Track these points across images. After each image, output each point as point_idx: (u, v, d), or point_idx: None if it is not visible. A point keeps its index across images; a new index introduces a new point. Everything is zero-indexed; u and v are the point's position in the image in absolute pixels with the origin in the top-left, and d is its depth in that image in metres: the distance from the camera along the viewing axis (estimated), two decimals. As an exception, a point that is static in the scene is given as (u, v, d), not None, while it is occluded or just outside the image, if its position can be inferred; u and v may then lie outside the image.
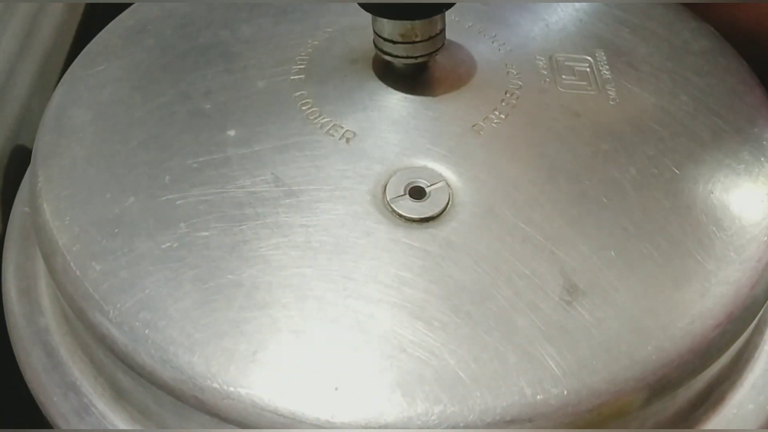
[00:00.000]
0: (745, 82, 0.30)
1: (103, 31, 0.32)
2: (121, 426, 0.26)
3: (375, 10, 0.27)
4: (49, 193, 0.27)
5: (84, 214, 0.26)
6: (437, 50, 0.28)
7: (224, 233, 0.25)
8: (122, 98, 0.29)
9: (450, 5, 0.27)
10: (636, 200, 0.26)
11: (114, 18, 0.33)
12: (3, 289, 0.30)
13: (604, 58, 0.30)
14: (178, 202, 0.26)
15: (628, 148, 0.27)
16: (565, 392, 0.22)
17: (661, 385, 0.23)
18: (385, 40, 0.27)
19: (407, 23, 0.27)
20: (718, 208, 0.26)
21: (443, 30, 0.28)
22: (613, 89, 0.29)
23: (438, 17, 0.27)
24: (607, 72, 0.30)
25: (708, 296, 0.24)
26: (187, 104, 0.29)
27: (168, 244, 0.25)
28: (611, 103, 0.29)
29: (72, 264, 0.25)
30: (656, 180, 0.27)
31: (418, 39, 0.27)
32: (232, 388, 0.22)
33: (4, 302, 0.29)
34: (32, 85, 0.36)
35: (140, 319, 0.24)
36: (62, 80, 0.31)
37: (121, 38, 0.32)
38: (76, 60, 0.31)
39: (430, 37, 0.27)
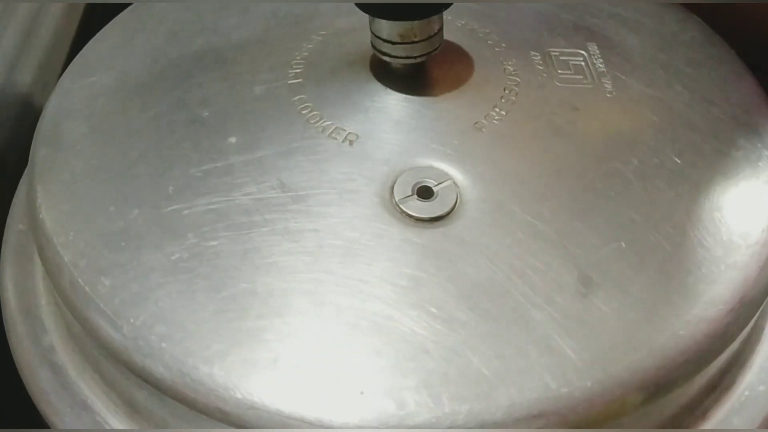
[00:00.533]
0: (735, 71, 0.30)
1: (91, 41, 0.32)
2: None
3: (375, 11, 0.27)
4: (49, 209, 0.26)
5: (88, 229, 0.26)
6: (436, 49, 0.28)
7: (234, 242, 0.25)
8: (117, 109, 0.29)
9: (448, 5, 0.27)
10: (640, 191, 0.26)
11: (113, 18, 0.32)
12: (4, 310, 0.29)
13: (597, 51, 0.30)
14: (184, 213, 0.26)
15: (629, 140, 0.28)
16: (590, 384, 0.22)
17: (681, 371, 0.23)
18: (384, 40, 0.27)
19: (406, 24, 0.27)
20: (721, 195, 0.26)
21: (441, 29, 0.28)
22: (608, 82, 0.29)
23: (436, 17, 0.27)
24: (601, 65, 0.30)
25: (719, 282, 0.24)
26: (184, 113, 0.28)
27: (177, 255, 0.25)
28: (608, 95, 0.29)
29: (80, 280, 0.25)
30: (659, 170, 0.27)
31: (417, 39, 0.27)
32: (255, 398, 0.22)
33: (5, 322, 0.29)
34: (32, 85, 0.36)
35: (155, 332, 0.23)
36: (54, 92, 0.30)
37: (111, 48, 0.31)
38: (66, 71, 0.31)
39: (429, 37, 0.27)
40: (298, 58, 0.30)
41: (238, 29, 0.31)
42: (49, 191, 0.27)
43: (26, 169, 0.28)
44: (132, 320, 0.24)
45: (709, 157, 0.27)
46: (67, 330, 0.28)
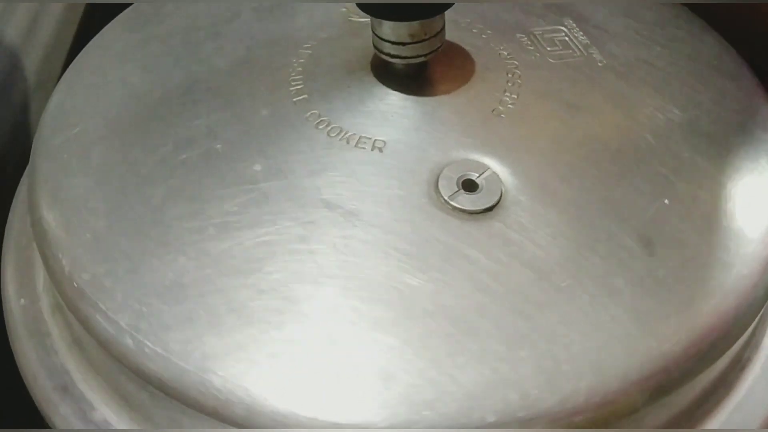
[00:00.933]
0: (701, 27, 0.32)
1: (58, 87, 0.30)
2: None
3: (385, 13, 0.26)
4: (82, 277, 0.24)
5: (136, 288, 0.24)
6: (441, 46, 0.28)
7: (301, 273, 0.24)
8: (118, 158, 0.27)
9: (450, 4, 0.27)
10: (662, 148, 0.28)
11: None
12: (5, 310, 0.28)
13: (575, 25, 0.31)
14: (234, 252, 0.24)
15: (634, 102, 0.29)
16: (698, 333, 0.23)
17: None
18: (394, 43, 0.27)
19: (416, 23, 0.27)
20: (728, 144, 0.28)
21: (444, 26, 0.28)
22: (596, 51, 0.30)
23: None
24: (583, 38, 0.31)
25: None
26: (194, 149, 0.27)
27: (246, 294, 0.23)
28: (600, 65, 0.30)
29: (148, 342, 0.23)
30: (670, 125, 0.28)
31: (426, 37, 0.27)
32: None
33: (6, 322, 0.28)
34: (32, 85, 0.35)
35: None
36: (36, 151, 0.28)
37: (85, 93, 0.29)
38: (42, 126, 0.29)
39: (437, 34, 0.27)
40: (293, 74, 0.29)
41: (216, 56, 0.30)
42: (74, 257, 0.25)
43: (38, 241, 0.26)
44: (226, 377, 0.22)
45: (706, 104, 0.29)
46: (69, 331, 0.27)
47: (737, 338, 0.25)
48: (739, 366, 0.27)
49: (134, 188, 0.26)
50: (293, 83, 0.29)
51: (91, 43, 0.32)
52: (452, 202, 0.25)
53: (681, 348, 0.23)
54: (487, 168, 0.26)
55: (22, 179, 0.32)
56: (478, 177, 0.26)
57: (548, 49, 0.30)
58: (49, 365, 0.27)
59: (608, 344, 0.23)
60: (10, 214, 0.31)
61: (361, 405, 0.22)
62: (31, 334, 0.28)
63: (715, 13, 0.33)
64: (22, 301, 0.28)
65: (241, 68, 0.29)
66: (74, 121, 0.28)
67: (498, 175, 0.26)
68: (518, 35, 0.31)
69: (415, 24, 0.27)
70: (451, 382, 0.22)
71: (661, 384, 0.23)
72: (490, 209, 0.25)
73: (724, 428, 0.26)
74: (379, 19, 0.27)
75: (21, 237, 0.30)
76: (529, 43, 0.30)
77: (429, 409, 0.22)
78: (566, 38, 0.31)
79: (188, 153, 0.27)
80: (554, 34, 0.31)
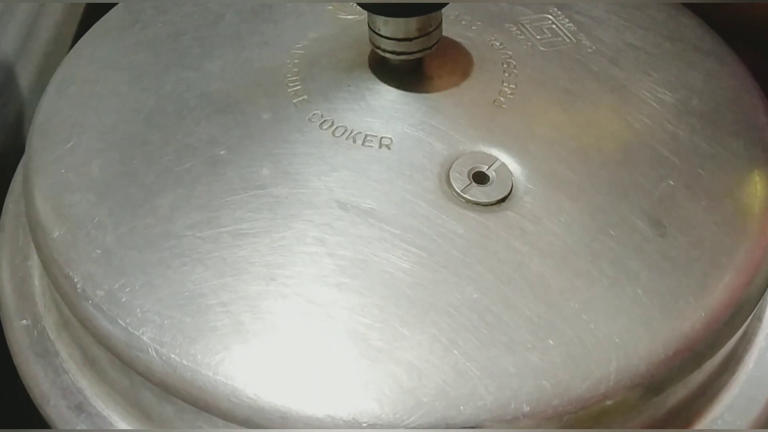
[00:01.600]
0: (678, 7, 0.33)
1: (42, 103, 0.29)
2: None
3: (386, 10, 0.26)
4: (97, 294, 0.24)
5: (155, 301, 0.23)
6: (439, 41, 0.28)
7: (323, 278, 0.24)
8: (119, 170, 0.26)
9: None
10: (659, 129, 0.28)
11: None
12: (3, 311, 0.28)
13: (559, 12, 0.32)
14: (253, 260, 0.24)
15: (627, 86, 0.29)
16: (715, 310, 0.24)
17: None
18: (394, 39, 0.27)
19: (416, 19, 0.27)
20: (722, 122, 0.29)
21: (442, 20, 0.28)
22: (584, 38, 0.31)
23: (438, 8, 0.27)
24: (570, 24, 0.31)
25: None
26: (198, 156, 0.26)
27: (270, 301, 0.23)
28: (590, 50, 0.30)
29: (174, 355, 0.22)
30: (663, 106, 0.29)
31: (426, 32, 0.27)
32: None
33: (3, 323, 0.28)
34: (32, 85, 0.35)
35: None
36: (30, 168, 0.27)
37: (71, 107, 0.28)
38: (32, 142, 0.28)
39: (435, 29, 0.27)
40: (289, 75, 0.29)
41: (206, 60, 0.29)
42: (88, 274, 0.24)
43: (45, 262, 0.25)
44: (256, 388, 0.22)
45: (697, 75, 0.30)
46: (80, 349, 0.26)
47: (750, 312, 0.25)
48: (745, 339, 0.28)
49: (140, 200, 0.26)
50: (290, 84, 0.28)
51: (71, 53, 0.31)
52: (466, 195, 0.26)
53: (702, 326, 0.24)
54: (496, 159, 0.26)
55: (6, 197, 0.31)
56: (488, 169, 0.26)
57: (538, 37, 0.31)
58: (61, 385, 0.26)
59: (632, 327, 0.23)
60: (2, 212, 0.30)
61: (398, 404, 0.22)
62: (39, 354, 0.27)
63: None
64: (24, 321, 0.28)
65: (233, 72, 0.29)
66: (66, 135, 0.28)
67: (507, 166, 0.26)
68: (507, 25, 0.31)
69: (416, 20, 0.27)
70: (484, 375, 0.22)
71: (685, 362, 0.23)
72: (503, 200, 0.26)
73: (723, 429, 0.26)
74: (378, 16, 0.27)
75: (15, 255, 0.29)
76: (518, 32, 0.31)
77: (465, 403, 0.22)
78: (554, 26, 0.31)
79: (192, 161, 0.26)
80: (541, 23, 0.31)
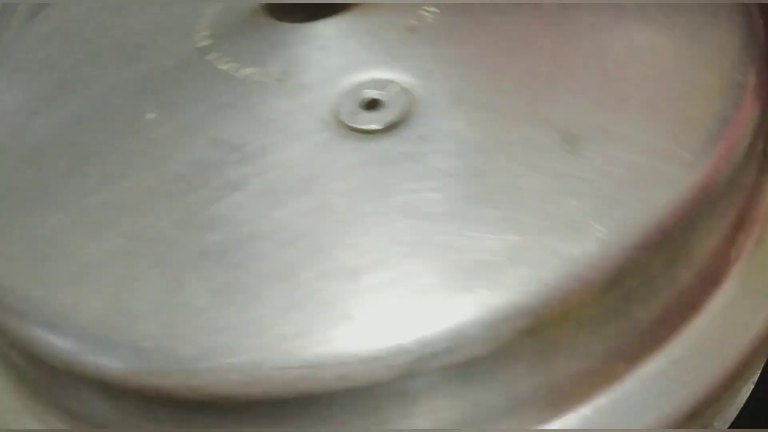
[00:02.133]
0: None
1: None
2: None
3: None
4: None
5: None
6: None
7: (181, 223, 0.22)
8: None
9: None
10: (587, 42, 0.24)
11: None
12: None
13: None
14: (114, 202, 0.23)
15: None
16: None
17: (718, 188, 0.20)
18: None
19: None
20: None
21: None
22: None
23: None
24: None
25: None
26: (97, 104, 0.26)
27: (118, 243, 0.22)
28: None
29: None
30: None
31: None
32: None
33: None
34: None
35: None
36: None
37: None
38: None
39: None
40: (202, 23, 0.27)
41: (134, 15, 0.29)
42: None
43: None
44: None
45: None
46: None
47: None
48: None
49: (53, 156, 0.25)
50: (200, 30, 0.27)
51: None
52: (351, 123, 0.23)
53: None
54: (391, 84, 0.23)
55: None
56: (381, 94, 0.23)
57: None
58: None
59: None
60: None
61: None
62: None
63: None
64: None
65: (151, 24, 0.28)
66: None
67: (405, 90, 0.23)
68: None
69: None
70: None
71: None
72: (392, 126, 0.23)
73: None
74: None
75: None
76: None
77: None
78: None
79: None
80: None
